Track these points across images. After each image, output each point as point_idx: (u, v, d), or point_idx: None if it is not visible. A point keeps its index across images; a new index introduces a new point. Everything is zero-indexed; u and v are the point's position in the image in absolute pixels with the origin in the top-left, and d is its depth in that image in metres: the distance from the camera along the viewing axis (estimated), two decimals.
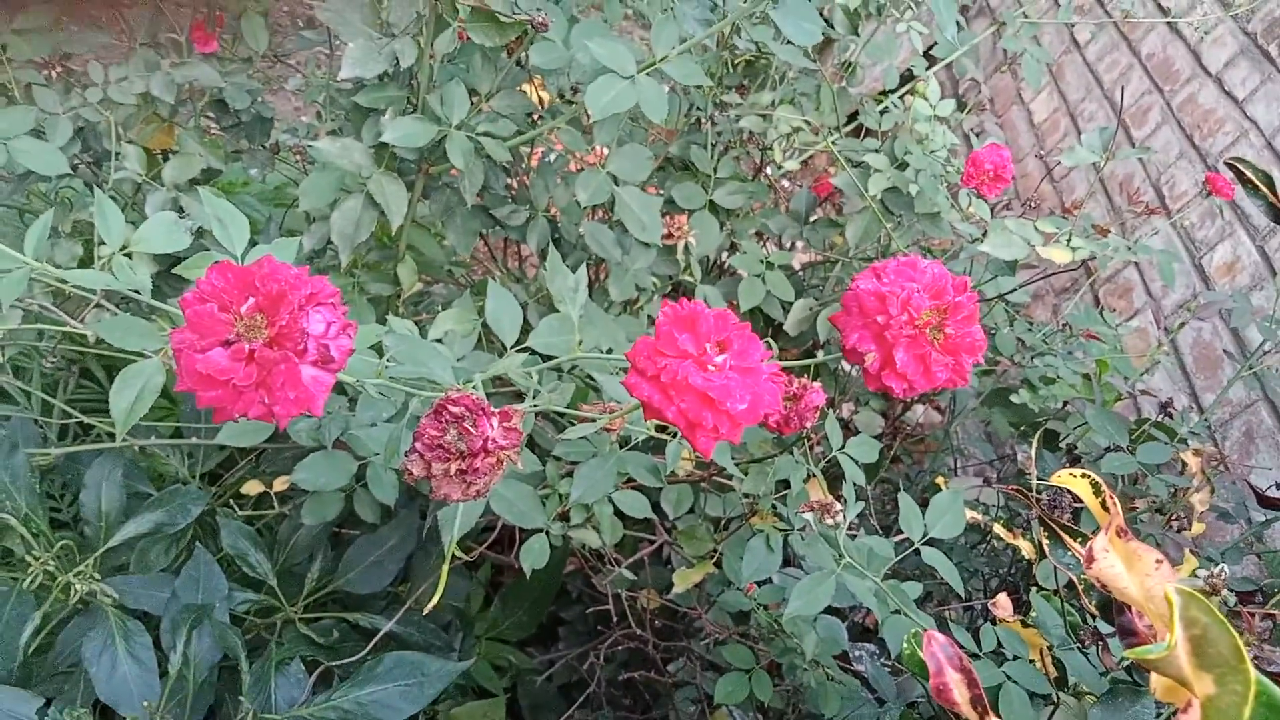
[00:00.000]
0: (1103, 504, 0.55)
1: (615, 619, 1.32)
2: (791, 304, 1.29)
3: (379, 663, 0.96)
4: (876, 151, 1.21)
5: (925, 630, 0.51)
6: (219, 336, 0.41)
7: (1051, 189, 2.47)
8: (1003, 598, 0.90)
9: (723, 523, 1.17)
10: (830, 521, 0.71)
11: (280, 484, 1.04)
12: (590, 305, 0.90)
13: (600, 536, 0.99)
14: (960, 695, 0.48)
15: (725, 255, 1.48)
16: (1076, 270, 2.00)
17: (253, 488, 1.04)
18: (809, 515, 0.72)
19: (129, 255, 0.57)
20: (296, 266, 0.44)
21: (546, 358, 0.69)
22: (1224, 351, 1.68)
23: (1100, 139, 1.09)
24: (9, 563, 1.09)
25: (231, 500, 1.16)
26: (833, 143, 1.30)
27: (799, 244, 1.49)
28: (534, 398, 0.61)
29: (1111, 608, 0.65)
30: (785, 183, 2.04)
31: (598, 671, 1.30)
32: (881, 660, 1.16)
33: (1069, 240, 1.06)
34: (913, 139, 1.16)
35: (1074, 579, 0.73)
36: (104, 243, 0.84)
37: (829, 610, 1.12)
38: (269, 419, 0.43)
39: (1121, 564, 0.52)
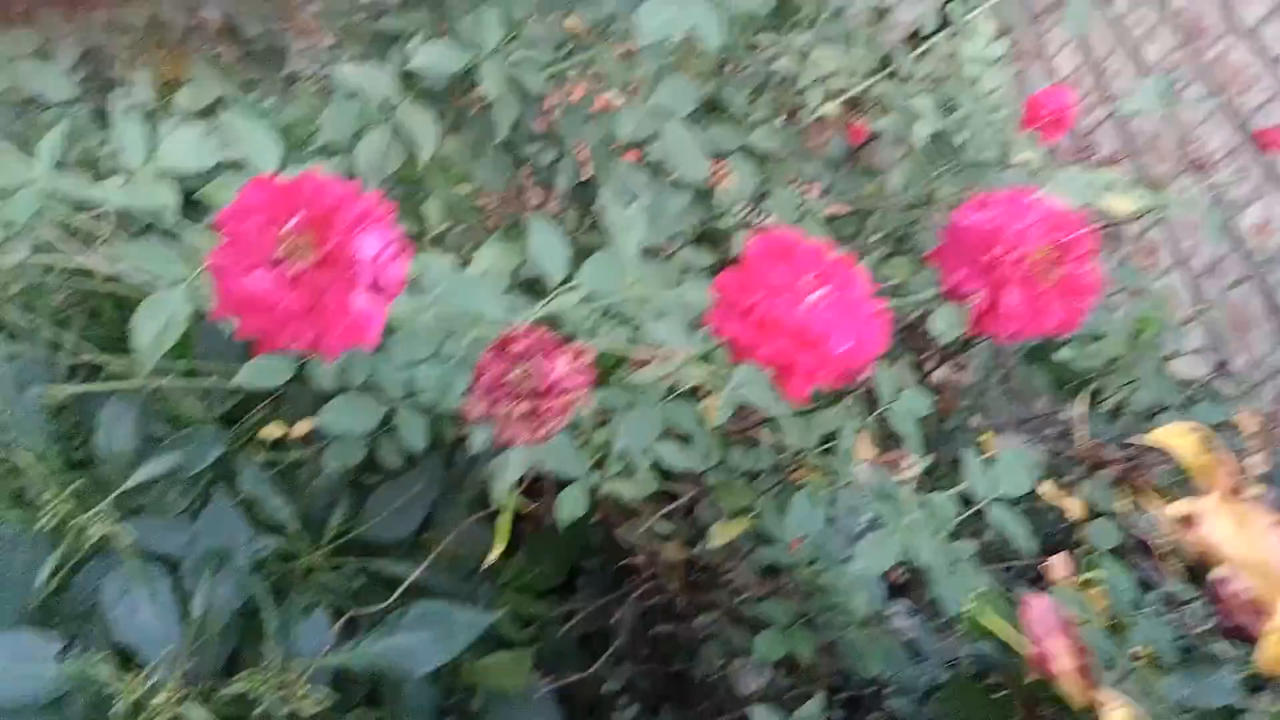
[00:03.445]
0: (1211, 463, 0.51)
1: (642, 571, 1.30)
2: None
3: (406, 612, 0.93)
4: (922, 95, 1.15)
5: (1024, 595, 0.47)
6: (262, 257, 0.37)
7: (1073, 146, 2.40)
8: (1060, 558, 0.87)
9: (752, 476, 1.13)
10: (902, 476, 0.67)
11: (302, 428, 1.00)
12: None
13: (634, 488, 0.96)
14: (1064, 664, 0.44)
15: (756, 203, 1.42)
16: (1107, 229, 1.95)
17: (272, 431, 1.01)
18: (872, 470, 0.68)
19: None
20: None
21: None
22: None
23: (1161, 87, 1.04)
24: (22, 503, 1.06)
25: (249, 444, 1.12)
26: (873, 86, 1.25)
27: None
28: (590, 337, 0.57)
29: (1200, 572, 0.61)
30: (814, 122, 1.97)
31: (624, 624, 1.28)
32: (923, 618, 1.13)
33: (1129, 190, 1.01)
34: (962, 82, 1.10)
35: (1153, 541, 0.69)
36: (116, 172, 0.79)
37: None
38: (316, 350, 0.39)
39: (1231, 527, 0.48)
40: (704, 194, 1.14)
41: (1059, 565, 0.86)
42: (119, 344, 1.39)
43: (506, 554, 1.41)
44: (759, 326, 0.39)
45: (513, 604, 1.33)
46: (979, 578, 0.75)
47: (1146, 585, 0.83)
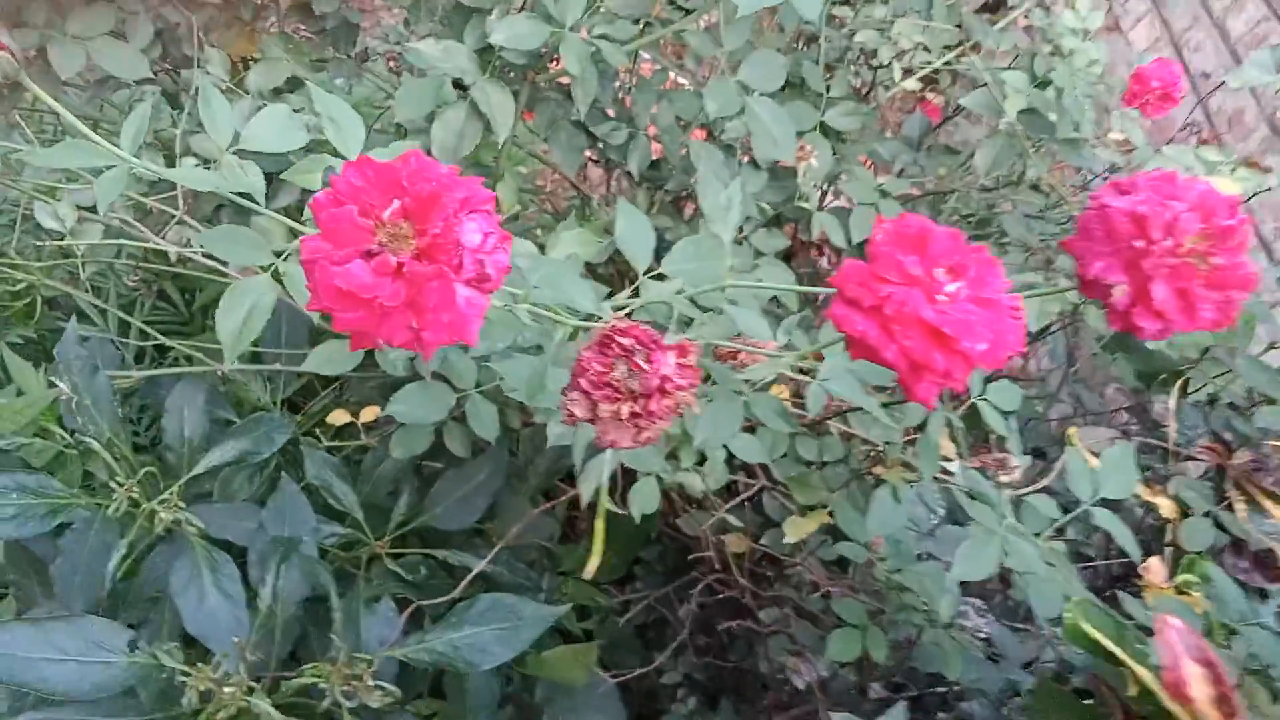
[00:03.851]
0: None
1: (707, 563, 1.27)
2: None
3: (472, 604, 0.91)
4: (1010, 69, 1.10)
5: (1159, 615, 0.44)
6: (359, 246, 0.34)
7: (1151, 125, 2.30)
8: (1155, 562, 0.82)
9: (819, 468, 1.10)
10: (1006, 479, 0.63)
11: (368, 414, 0.99)
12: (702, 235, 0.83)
13: (704, 481, 0.93)
14: (1200, 692, 0.41)
15: (828, 184, 1.38)
16: None
17: (338, 417, 0.99)
18: (972, 470, 0.65)
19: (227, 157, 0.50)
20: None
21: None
22: None
23: (1274, 59, 0.97)
24: (90, 487, 1.06)
25: (314, 429, 1.11)
26: (957, 59, 1.20)
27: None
28: (682, 329, 0.54)
29: None
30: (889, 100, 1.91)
31: (687, 618, 1.26)
32: (993, 617, 1.09)
33: (1234, 170, 0.95)
34: (1055, 54, 1.04)
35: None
36: (190, 153, 0.78)
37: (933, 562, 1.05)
38: (414, 347, 0.36)
39: None
40: (779, 175, 1.10)
41: (1156, 569, 0.82)
42: (184, 327, 1.39)
43: (565, 540, 1.40)
44: (888, 323, 0.36)
45: (572, 593, 1.32)
46: (1075, 584, 0.71)
47: (1254, 593, 0.78)
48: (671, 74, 1.14)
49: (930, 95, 1.53)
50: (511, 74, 0.85)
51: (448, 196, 0.34)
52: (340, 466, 1.02)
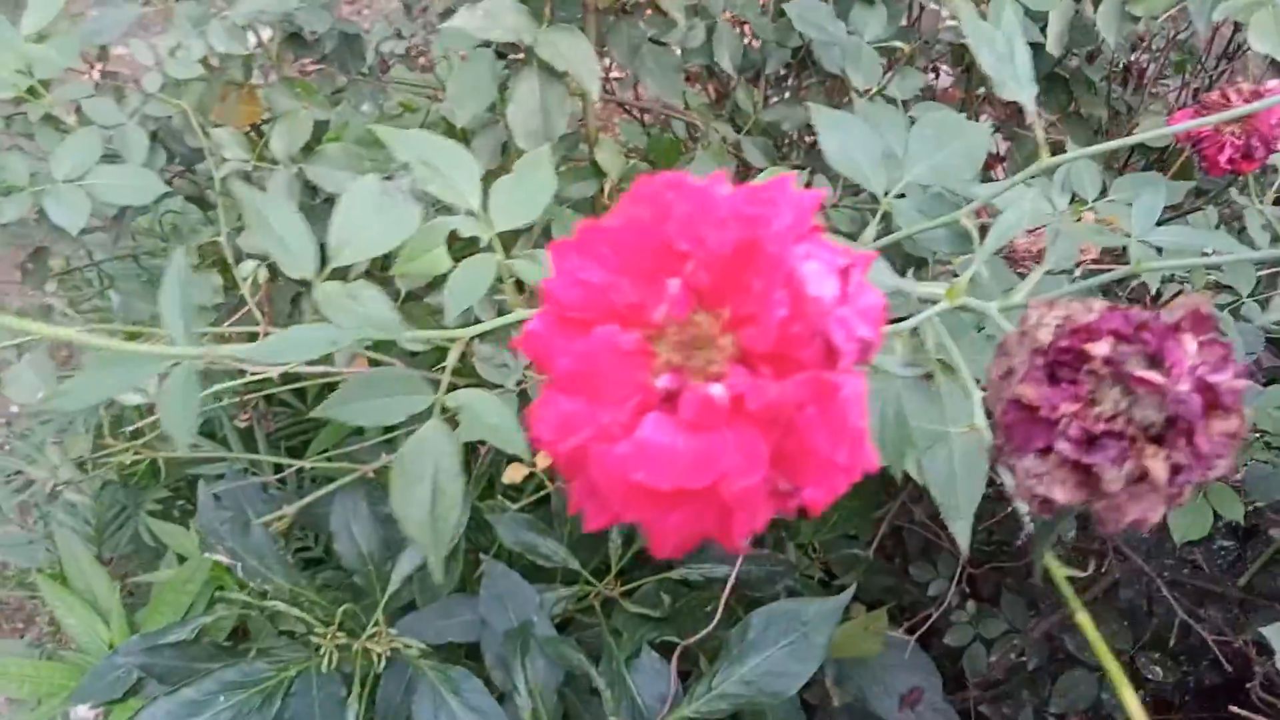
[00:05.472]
0: None
1: None
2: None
3: (747, 628, 0.77)
4: None
5: None
6: (638, 390, 0.18)
7: None
8: None
9: None
10: None
11: (545, 462, 0.85)
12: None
13: None
14: None
15: None
16: None
17: (516, 473, 0.86)
18: None
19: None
20: None
21: None
22: None
23: None
24: (289, 634, 0.96)
25: (487, 492, 0.99)
26: None
27: None
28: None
29: None
30: None
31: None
32: None
33: None
34: None
35: None
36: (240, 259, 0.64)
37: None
38: (788, 512, 0.20)
39: None
40: (890, 4, 0.90)
41: None
42: (307, 427, 1.28)
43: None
44: None
45: (812, 541, 1.18)
46: None
47: None
48: None
49: None
50: (564, 14, 0.67)
51: (769, 235, 0.17)
52: (538, 523, 0.89)
